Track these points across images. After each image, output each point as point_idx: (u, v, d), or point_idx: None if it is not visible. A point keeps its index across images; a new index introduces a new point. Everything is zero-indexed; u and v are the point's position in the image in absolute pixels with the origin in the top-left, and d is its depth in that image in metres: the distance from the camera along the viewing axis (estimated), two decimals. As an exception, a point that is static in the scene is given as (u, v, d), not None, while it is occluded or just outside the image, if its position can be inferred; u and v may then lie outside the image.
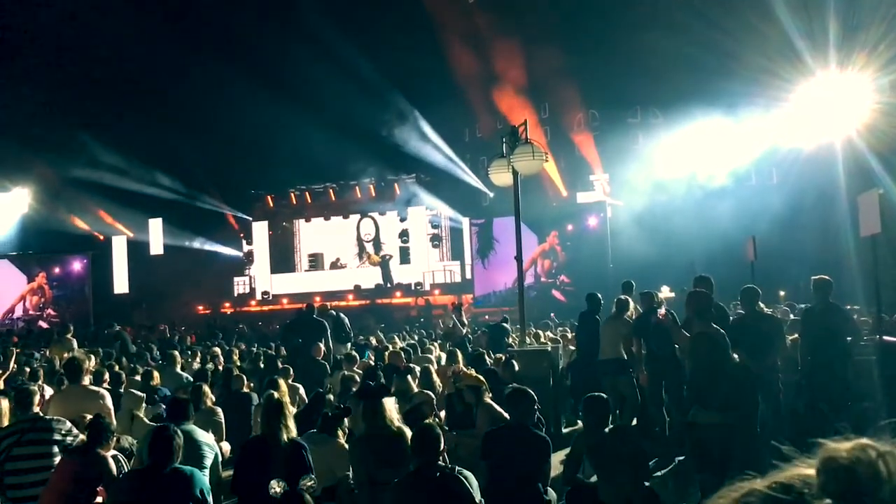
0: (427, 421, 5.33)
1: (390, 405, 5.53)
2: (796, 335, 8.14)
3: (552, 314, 18.68)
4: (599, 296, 10.13)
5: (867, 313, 10.68)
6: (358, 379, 8.70)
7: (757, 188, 24.01)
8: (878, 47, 17.53)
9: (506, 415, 6.56)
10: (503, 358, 9.17)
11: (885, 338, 7.38)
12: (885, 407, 6.53)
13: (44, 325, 29.71)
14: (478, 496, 4.52)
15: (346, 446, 5.85)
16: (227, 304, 32.13)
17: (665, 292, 15.73)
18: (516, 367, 8.65)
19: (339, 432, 6.13)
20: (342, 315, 13.35)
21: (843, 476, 0.76)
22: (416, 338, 15.68)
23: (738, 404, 6.02)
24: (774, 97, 20.86)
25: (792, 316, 10.35)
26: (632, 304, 9.53)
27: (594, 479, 5.60)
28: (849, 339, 7.52)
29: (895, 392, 6.73)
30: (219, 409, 7.68)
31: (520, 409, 5.55)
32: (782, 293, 16.10)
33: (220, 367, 10.97)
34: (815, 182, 20.13)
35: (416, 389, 7.81)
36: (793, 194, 21.39)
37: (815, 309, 7.74)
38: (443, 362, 10.57)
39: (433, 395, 7.84)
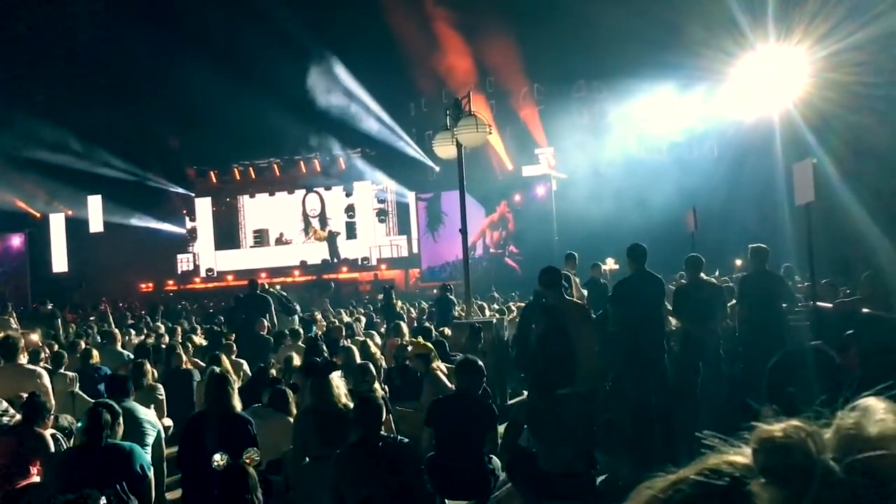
0: (368, 392, 5.35)
1: (337, 381, 5.53)
2: (733, 301, 8.35)
3: (493, 288, 18.82)
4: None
5: (801, 277, 11.00)
6: (298, 354, 8.66)
7: (698, 160, 24.42)
8: (814, 22, 17.86)
9: (451, 385, 6.60)
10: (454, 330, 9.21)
11: (819, 304, 7.58)
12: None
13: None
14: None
15: (292, 421, 5.83)
16: (171, 282, 31.67)
17: (610, 264, 15.93)
18: (483, 339, 8.68)
19: (289, 407, 6.12)
20: (282, 291, 13.44)
21: (779, 454, 0.78)
22: (363, 311, 15.68)
23: (571, 380, 6.13)
24: (716, 70, 21.16)
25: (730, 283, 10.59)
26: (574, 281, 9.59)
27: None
28: (784, 305, 7.73)
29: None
30: (159, 386, 7.58)
31: (468, 378, 5.58)
32: (739, 262, 16.38)
33: (163, 344, 10.83)
34: (754, 154, 20.54)
35: (359, 360, 7.79)
36: (732, 166, 21.82)
37: (752, 276, 7.92)
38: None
39: (373, 367, 7.84)
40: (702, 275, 8.00)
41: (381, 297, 14.95)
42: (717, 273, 13.96)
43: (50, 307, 16.24)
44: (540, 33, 23.70)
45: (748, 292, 7.80)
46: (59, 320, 14.91)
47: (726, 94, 21.82)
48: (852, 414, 0.81)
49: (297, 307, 13.17)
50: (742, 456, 0.82)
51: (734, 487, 0.79)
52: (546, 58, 24.76)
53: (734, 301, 8.43)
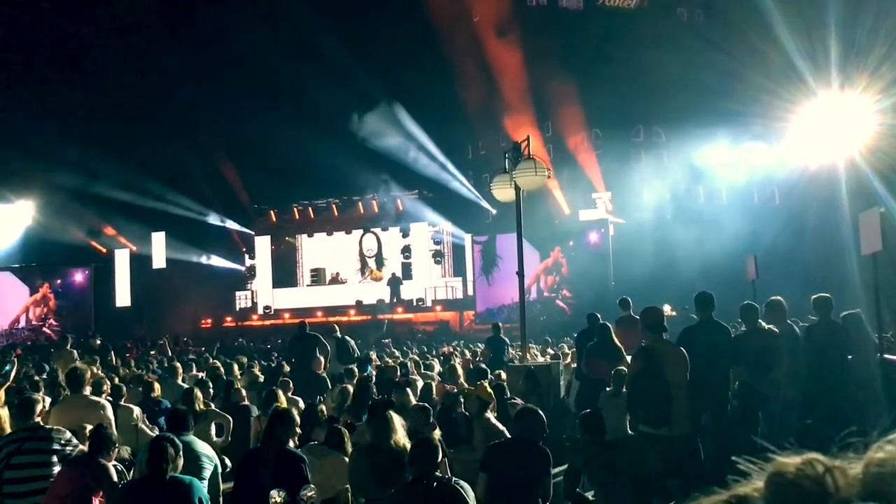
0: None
1: (397, 422, 5.55)
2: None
3: (546, 336, 18.60)
4: (598, 315, 10.08)
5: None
6: (351, 391, 8.70)
7: (759, 207, 24.06)
8: (880, 69, 17.63)
9: (501, 427, 6.55)
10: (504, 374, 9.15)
11: (886, 356, 7.37)
12: (890, 422, 6.51)
13: (49, 332, 30.00)
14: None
15: (347, 460, 5.85)
16: (229, 319, 32.11)
17: (667, 310, 15.72)
18: (541, 383, 8.60)
19: (345, 447, 6.13)
20: (347, 338, 13.19)
21: (790, 491, 0.76)
22: (418, 352, 15.71)
23: (669, 419, 6.12)
24: (777, 117, 20.95)
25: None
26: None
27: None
28: (850, 357, 7.52)
29: (896, 410, 6.72)
30: (218, 411, 7.73)
31: (528, 427, 5.54)
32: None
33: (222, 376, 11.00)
34: (818, 202, 20.17)
35: (413, 403, 7.79)
36: (795, 214, 21.45)
37: (817, 326, 7.73)
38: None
39: (431, 410, 7.81)
40: (761, 322, 7.82)
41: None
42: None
43: (99, 342, 16.54)
44: (599, 79, 23.75)
45: (813, 344, 7.61)
46: (112, 354, 15.19)
47: (788, 141, 21.54)
48: (888, 447, 0.78)
49: (356, 354, 12.92)
50: None
51: None
52: (605, 103, 24.79)
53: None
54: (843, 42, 18.28)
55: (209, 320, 31.77)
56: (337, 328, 13.42)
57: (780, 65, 19.56)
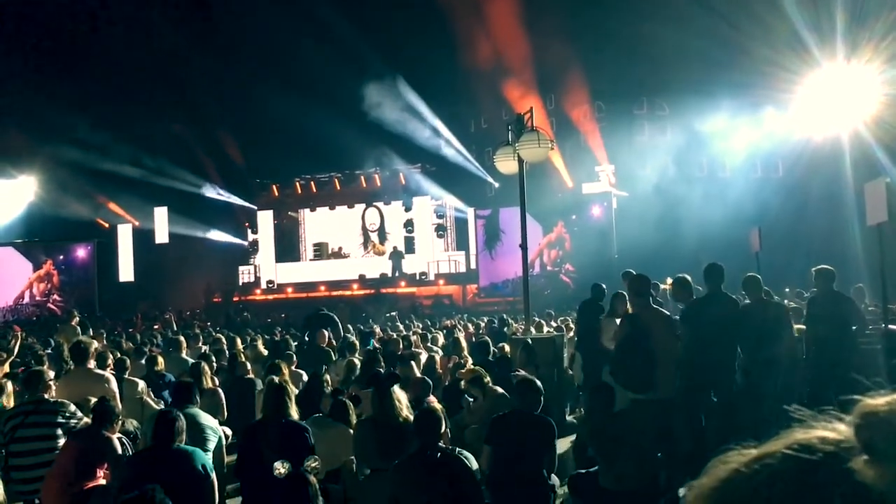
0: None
1: (399, 393, 5.56)
2: (800, 325, 8.12)
3: (549, 310, 18.57)
4: (603, 286, 10.03)
5: (871, 300, 10.67)
6: (358, 364, 8.74)
7: (762, 180, 23.97)
8: (886, 40, 17.47)
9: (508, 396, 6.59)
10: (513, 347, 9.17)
11: (891, 326, 7.35)
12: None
13: (53, 308, 30.13)
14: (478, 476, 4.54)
15: (351, 432, 5.87)
16: (233, 293, 32.13)
17: (669, 283, 15.68)
18: (537, 355, 8.60)
19: (349, 418, 6.15)
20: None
21: (886, 429, 0.74)
22: (421, 326, 15.74)
23: (651, 385, 6.16)
24: (781, 89, 20.80)
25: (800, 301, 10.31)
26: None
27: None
28: (854, 327, 7.49)
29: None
30: (220, 390, 7.74)
31: (526, 397, 5.56)
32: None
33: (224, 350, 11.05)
34: (822, 174, 20.10)
35: (418, 375, 7.81)
36: (799, 186, 21.38)
37: (820, 297, 7.70)
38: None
39: (430, 382, 7.82)
40: (767, 292, 7.78)
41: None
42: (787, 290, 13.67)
43: (77, 319, 16.59)
44: (602, 51, 23.58)
45: (816, 314, 7.58)
46: (90, 331, 15.22)
47: (793, 112, 21.41)
48: None
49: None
50: (834, 432, 0.78)
51: (831, 464, 0.75)
52: (608, 75, 24.63)
53: (800, 325, 8.20)
54: (849, 12, 18.10)
55: (217, 296, 31.75)
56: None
57: (784, 36, 19.39)
